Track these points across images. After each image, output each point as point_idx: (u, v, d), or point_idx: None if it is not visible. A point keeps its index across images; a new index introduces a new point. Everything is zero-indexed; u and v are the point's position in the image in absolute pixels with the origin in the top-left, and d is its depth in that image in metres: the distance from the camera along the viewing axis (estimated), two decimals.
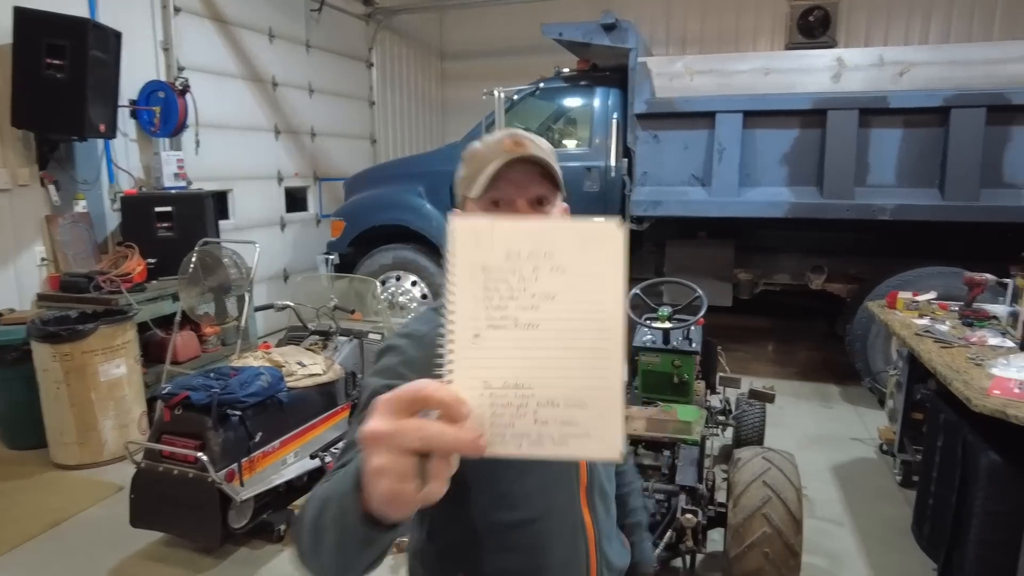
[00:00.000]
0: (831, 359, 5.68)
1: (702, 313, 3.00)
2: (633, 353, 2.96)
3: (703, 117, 4.64)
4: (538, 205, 0.95)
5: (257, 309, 4.19)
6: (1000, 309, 3.18)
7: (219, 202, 5.36)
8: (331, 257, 5.96)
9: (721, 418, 3.58)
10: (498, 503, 0.98)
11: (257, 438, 2.86)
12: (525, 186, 0.94)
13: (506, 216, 0.47)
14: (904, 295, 3.51)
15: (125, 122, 4.79)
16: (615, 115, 5.25)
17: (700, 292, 3.07)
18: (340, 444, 2.41)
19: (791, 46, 7.50)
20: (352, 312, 4.01)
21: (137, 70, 4.84)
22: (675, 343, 2.97)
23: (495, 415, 0.51)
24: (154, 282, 4.43)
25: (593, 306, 0.51)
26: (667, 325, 2.98)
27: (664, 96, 4.75)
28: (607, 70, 5.44)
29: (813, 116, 4.46)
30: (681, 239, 5.38)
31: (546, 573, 1.00)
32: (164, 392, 2.81)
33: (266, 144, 6.34)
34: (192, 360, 4.58)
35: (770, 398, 3.57)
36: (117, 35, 4.35)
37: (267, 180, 6.40)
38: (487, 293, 0.51)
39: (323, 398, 3.27)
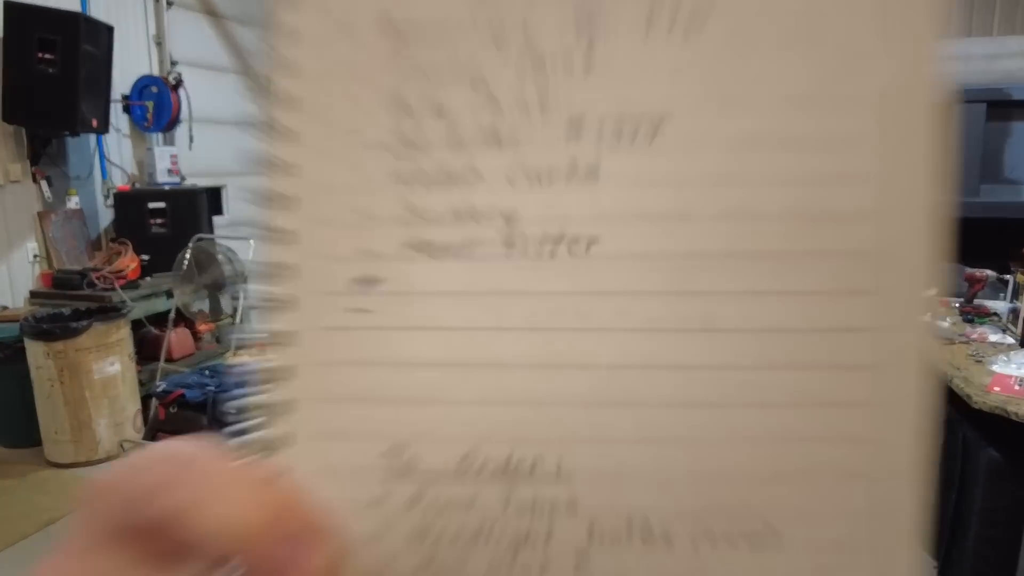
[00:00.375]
0: None
1: None
2: None
3: None
4: None
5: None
6: (1000, 305, 3.18)
7: (213, 198, 5.32)
8: None
9: None
10: None
11: None
12: None
13: None
14: None
15: (118, 117, 4.75)
16: None
17: None
18: None
19: None
20: None
21: (129, 65, 4.79)
22: None
23: (438, 567, 0.18)
24: (148, 279, 4.40)
25: (825, 164, 0.18)
26: None
27: None
28: None
29: None
30: None
31: None
32: (159, 390, 2.80)
33: None
34: (187, 358, 4.55)
35: None
36: (109, 29, 4.30)
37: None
38: (401, 122, 0.18)
39: None
